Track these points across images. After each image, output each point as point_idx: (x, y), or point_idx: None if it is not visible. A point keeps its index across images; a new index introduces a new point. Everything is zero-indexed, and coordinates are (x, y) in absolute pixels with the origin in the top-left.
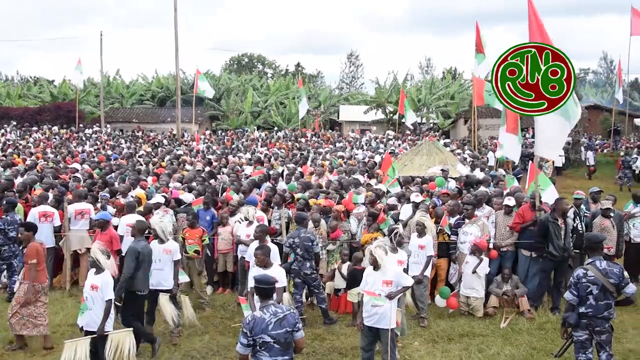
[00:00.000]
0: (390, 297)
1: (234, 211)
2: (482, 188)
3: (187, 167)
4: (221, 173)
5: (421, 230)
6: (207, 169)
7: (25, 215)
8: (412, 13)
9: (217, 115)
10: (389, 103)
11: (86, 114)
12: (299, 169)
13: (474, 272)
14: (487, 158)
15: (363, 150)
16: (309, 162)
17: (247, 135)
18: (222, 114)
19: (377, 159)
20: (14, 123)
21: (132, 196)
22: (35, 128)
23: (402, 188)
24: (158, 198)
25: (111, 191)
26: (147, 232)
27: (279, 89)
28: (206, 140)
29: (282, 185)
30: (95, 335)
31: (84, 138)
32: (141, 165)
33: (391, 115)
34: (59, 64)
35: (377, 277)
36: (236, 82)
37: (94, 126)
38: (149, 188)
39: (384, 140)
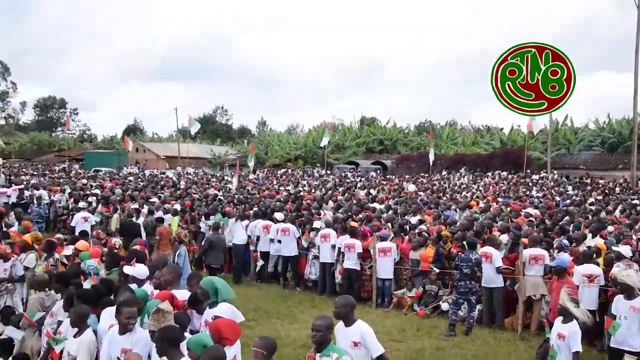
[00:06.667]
0: None
1: None
2: None
3: None
4: None
5: None
6: None
7: None
8: None
9: None
10: None
11: (533, 159)
12: None
13: None
14: None
15: None
16: None
17: None
18: None
19: None
20: (466, 167)
21: (588, 246)
22: (486, 173)
23: None
24: (623, 250)
25: (568, 238)
26: None
27: None
28: None
29: None
30: None
31: (530, 184)
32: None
33: None
34: (507, 113)
35: None
36: None
37: (541, 172)
38: (608, 238)
39: None
